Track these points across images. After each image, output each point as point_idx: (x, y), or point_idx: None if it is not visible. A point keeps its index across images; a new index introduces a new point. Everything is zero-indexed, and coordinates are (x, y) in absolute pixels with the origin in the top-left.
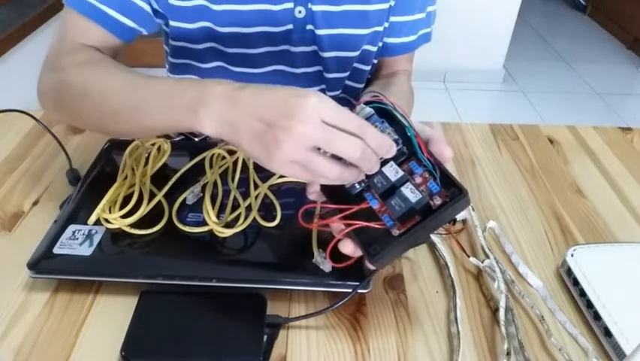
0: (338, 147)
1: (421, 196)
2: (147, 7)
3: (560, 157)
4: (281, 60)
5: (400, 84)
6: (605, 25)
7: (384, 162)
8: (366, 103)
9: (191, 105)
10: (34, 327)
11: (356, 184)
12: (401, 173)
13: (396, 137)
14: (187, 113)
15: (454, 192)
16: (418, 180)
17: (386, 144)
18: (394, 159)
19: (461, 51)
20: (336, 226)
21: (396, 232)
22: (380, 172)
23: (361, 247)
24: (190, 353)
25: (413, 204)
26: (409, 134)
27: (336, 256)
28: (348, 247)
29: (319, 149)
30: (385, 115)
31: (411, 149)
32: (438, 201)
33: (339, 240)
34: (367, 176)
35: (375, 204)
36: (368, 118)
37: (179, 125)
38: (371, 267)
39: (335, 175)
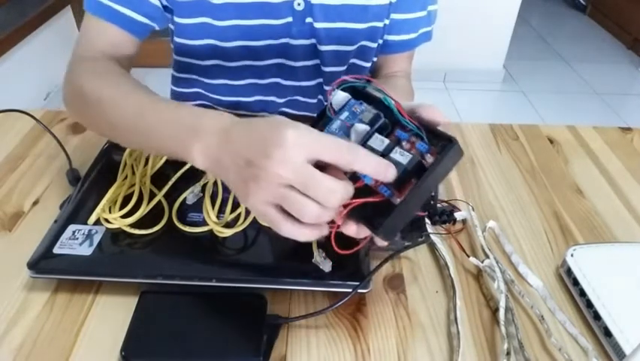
0: (313, 194)
1: (411, 156)
2: (157, 3)
3: (560, 157)
4: (281, 53)
5: (399, 85)
6: (605, 25)
7: (368, 137)
8: (338, 86)
9: (185, 140)
10: (34, 327)
11: None
12: (387, 141)
13: (376, 111)
14: (181, 148)
15: (443, 144)
16: (407, 146)
17: (381, 167)
18: (379, 132)
19: (461, 51)
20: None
21: (397, 201)
22: (367, 146)
23: (365, 224)
24: (190, 353)
25: (405, 166)
26: (386, 103)
27: (340, 247)
28: (351, 228)
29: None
30: (362, 95)
31: (393, 119)
32: (430, 159)
33: (340, 226)
34: None
35: (369, 180)
36: (346, 104)
37: (176, 155)
38: (382, 243)
39: (311, 216)
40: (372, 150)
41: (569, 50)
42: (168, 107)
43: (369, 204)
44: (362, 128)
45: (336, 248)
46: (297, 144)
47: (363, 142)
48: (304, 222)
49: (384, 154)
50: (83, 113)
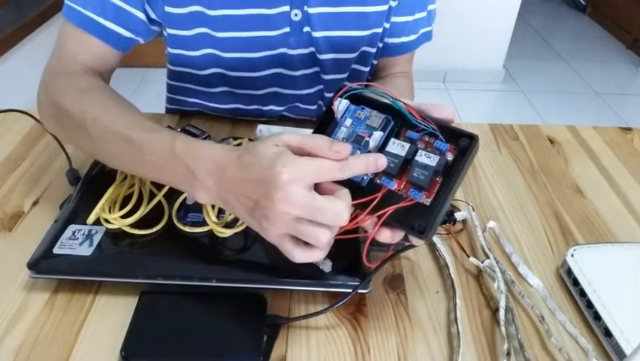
0: (321, 220)
1: (439, 157)
2: (143, 17)
3: (560, 157)
4: (279, 63)
5: (399, 85)
6: (605, 25)
7: (384, 142)
8: (341, 95)
9: (185, 180)
10: (34, 327)
11: (363, 175)
12: (407, 145)
13: (384, 115)
14: (183, 186)
15: (464, 140)
16: (421, 145)
17: (371, 164)
18: (389, 136)
19: (461, 51)
20: (369, 221)
21: (427, 201)
22: (387, 153)
23: (404, 229)
24: (190, 353)
25: (435, 167)
26: (395, 107)
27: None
28: (386, 235)
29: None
30: (361, 100)
31: (401, 120)
32: (450, 156)
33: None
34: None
35: (393, 185)
36: (346, 110)
37: (177, 187)
38: (418, 242)
39: (324, 242)
40: (394, 155)
41: (569, 50)
42: (156, 143)
43: (400, 208)
44: (377, 135)
45: (365, 262)
46: (292, 181)
47: (381, 148)
48: (317, 246)
49: (409, 159)
50: (66, 132)
